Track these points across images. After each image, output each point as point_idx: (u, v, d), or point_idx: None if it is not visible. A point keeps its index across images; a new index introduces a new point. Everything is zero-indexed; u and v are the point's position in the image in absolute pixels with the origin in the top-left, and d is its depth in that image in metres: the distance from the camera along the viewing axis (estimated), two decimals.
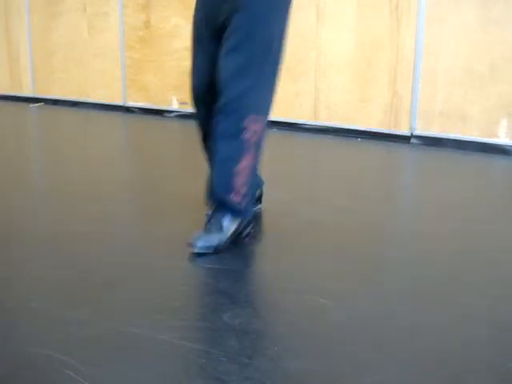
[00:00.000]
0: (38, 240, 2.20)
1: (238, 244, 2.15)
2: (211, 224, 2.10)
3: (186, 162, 3.44)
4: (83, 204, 2.60)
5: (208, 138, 2.23)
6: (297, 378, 1.37)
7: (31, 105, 5.38)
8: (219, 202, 2.12)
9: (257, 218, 2.39)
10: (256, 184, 2.37)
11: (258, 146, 2.10)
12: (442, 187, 2.89)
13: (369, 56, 3.85)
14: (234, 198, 2.09)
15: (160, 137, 4.16)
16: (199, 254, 2.02)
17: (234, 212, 2.11)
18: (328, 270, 1.95)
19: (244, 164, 2.07)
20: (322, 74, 4.01)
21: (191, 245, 2.04)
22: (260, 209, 2.48)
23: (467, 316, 1.65)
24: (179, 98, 4.68)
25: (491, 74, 3.51)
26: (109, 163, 3.37)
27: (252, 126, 2.04)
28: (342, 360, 1.44)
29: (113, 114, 4.95)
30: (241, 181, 2.08)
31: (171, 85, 4.71)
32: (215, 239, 2.06)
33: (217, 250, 2.04)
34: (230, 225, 2.10)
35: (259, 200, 2.49)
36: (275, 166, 3.07)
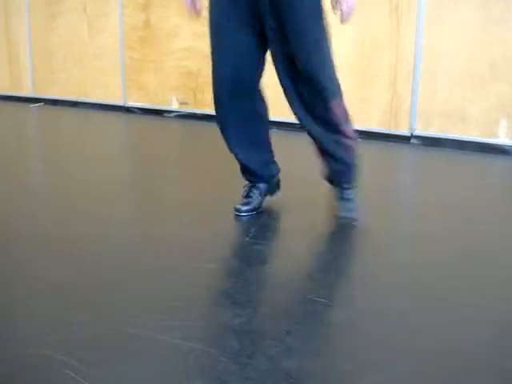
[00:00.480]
0: (37, 240, 2.20)
1: (239, 244, 2.15)
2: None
3: (185, 161, 3.44)
4: (83, 204, 2.60)
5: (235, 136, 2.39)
6: (297, 378, 1.37)
7: (31, 105, 5.38)
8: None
9: (261, 217, 2.39)
10: (276, 170, 2.55)
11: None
12: (441, 187, 2.89)
13: (369, 56, 3.85)
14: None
15: (160, 137, 4.16)
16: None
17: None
18: (328, 269, 1.95)
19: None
20: None
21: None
22: (278, 196, 2.60)
23: (467, 316, 1.65)
24: (179, 98, 4.68)
25: (491, 74, 3.51)
26: (109, 163, 3.37)
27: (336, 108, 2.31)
28: (342, 360, 1.44)
29: (113, 114, 4.95)
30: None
31: (171, 85, 4.70)
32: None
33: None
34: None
35: (278, 186, 2.60)
36: None
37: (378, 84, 3.85)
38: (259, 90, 2.39)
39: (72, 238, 2.20)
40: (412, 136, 3.81)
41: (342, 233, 2.30)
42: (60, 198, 2.69)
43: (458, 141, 3.66)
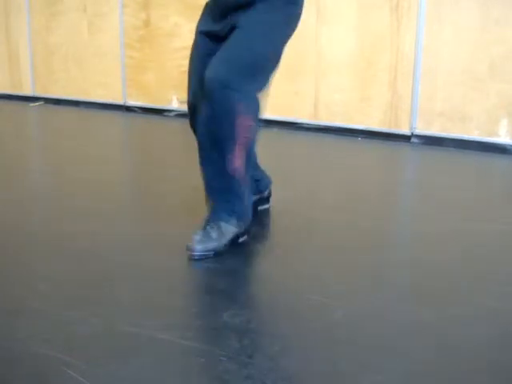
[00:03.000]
0: (37, 240, 2.20)
1: (238, 244, 2.15)
2: (211, 227, 2.04)
3: (185, 161, 3.43)
4: (83, 204, 2.60)
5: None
6: (297, 378, 1.37)
7: (31, 104, 5.38)
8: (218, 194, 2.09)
9: (261, 217, 2.39)
10: (265, 184, 2.44)
11: (248, 143, 2.06)
12: (442, 186, 2.89)
13: (369, 56, 3.84)
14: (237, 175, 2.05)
15: (160, 136, 4.16)
16: (198, 258, 1.99)
17: (234, 213, 2.06)
18: (328, 269, 1.95)
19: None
20: (322, 73, 4.01)
21: (190, 249, 2.00)
22: (267, 208, 2.50)
23: (467, 316, 1.65)
24: (179, 97, 4.68)
25: (491, 74, 3.51)
26: (109, 163, 3.37)
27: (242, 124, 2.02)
28: (342, 360, 1.44)
29: (113, 113, 4.95)
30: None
31: (171, 84, 4.70)
32: (214, 243, 2.01)
33: (216, 254, 2.01)
34: (229, 228, 2.05)
35: (267, 200, 2.50)
36: (275, 166, 3.07)
37: (378, 83, 3.84)
38: None
39: (72, 237, 2.20)
40: (412, 135, 3.80)
41: (341, 232, 2.30)
42: (60, 198, 2.69)
43: (458, 140, 3.66)
